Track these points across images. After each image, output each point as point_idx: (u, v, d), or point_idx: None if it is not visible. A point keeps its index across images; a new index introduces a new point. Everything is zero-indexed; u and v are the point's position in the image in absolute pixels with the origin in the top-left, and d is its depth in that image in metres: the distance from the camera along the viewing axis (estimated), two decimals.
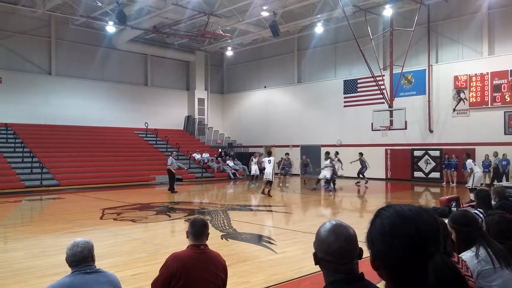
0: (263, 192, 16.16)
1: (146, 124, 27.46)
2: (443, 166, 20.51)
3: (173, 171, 17.79)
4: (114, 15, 20.82)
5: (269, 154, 17.16)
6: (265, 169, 16.42)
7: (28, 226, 10.86)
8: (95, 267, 2.91)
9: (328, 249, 1.57)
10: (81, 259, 2.86)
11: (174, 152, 19.51)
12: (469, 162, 14.52)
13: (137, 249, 8.00)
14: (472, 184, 13.69)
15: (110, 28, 23.98)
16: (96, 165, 21.56)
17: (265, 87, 29.92)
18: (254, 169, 20.97)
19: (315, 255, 1.61)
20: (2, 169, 19.06)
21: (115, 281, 2.95)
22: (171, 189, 17.36)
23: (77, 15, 22.73)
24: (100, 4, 21.68)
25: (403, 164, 22.37)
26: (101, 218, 11.22)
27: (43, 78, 24.61)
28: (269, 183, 16.14)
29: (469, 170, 14.59)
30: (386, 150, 22.91)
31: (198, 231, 3.41)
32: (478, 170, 14.27)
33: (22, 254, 7.31)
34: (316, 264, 1.61)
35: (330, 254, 1.56)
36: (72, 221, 10.89)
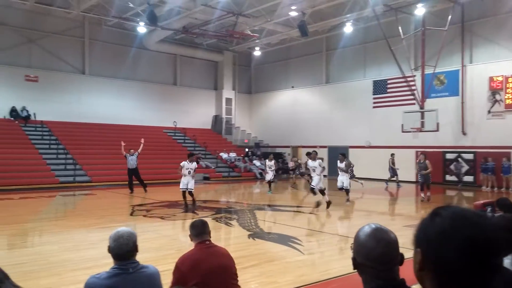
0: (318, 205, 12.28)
1: (175, 123, 27.86)
2: (480, 170, 19.87)
3: (131, 168, 16.91)
4: (145, 16, 21.23)
5: (310, 156, 13.37)
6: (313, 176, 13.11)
7: (61, 220, 11.22)
8: (138, 263, 2.85)
9: (369, 255, 1.52)
10: (126, 253, 2.81)
11: (131, 150, 17.64)
12: None
13: (165, 245, 8.13)
14: None
15: (141, 28, 24.46)
16: (126, 162, 21.98)
17: (292, 87, 29.82)
18: (271, 175, 17.79)
19: (354, 259, 1.56)
20: (38, 165, 19.76)
21: (154, 277, 2.92)
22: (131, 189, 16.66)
23: (109, 16, 23.32)
24: (131, 5, 22.14)
25: (434, 167, 21.75)
26: (131, 214, 11.47)
27: (77, 77, 25.34)
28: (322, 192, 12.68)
29: None
30: (416, 152, 22.39)
31: (199, 230, 3.59)
32: None
33: (56, 248, 7.56)
34: (354, 269, 1.57)
35: (371, 259, 1.51)
36: (103, 217, 11.18)
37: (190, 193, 12.56)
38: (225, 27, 24.65)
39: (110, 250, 2.84)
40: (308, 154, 13.76)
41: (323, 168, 12.88)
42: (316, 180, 12.52)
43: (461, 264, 1.04)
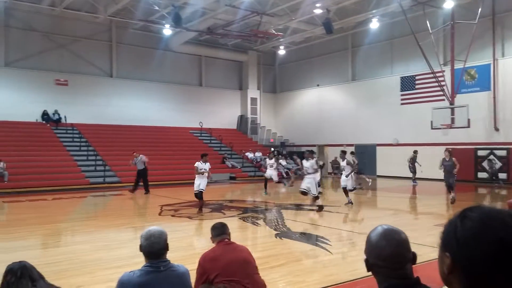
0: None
1: (201, 124, 28.12)
2: None
3: (142, 168, 16.92)
4: (170, 18, 21.50)
5: (304, 156, 12.93)
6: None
7: (93, 220, 11.49)
8: (168, 262, 2.91)
9: (380, 255, 1.54)
10: (158, 251, 2.86)
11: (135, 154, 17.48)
12: None
13: (194, 245, 8.22)
14: None
15: (167, 31, 24.79)
16: (153, 163, 22.30)
17: (318, 85, 29.58)
18: (270, 174, 16.82)
19: (366, 261, 1.59)
20: (69, 167, 20.31)
21: (185, 277, 2.97)
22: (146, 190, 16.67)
23: (135, 19, 23.74)
24: (157, 8, 22.46)
25: (465, 164, 21.15)
26: (159, 214, 11.63)
27: (105, 80, 25.92)
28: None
29: None
30: (446, 149, 21.83)
31: (219, 231, 3.80)
32: None
33: (88, 247, 7.74)
34: (368, 270, 1.58)
35: (382, 259, 1.53)
36: (133, 217, 11.39)
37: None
38: (249, 26, 24.69)
39: (142, 248, 2.88)
40: (302, 154, 13.30)
41: (316, 169, 11.97)
42: (305, 182, 11.77)
43: (493, 268, 1.00)
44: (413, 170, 20.27)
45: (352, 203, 12.94)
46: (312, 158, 12.47)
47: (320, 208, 11.69)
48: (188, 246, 7.83)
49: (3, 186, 17.40)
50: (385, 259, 1.53)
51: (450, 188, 13.27)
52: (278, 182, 16.69)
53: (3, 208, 13.93)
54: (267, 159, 17.75)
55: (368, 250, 1.59)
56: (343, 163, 13.33)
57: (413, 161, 20.29)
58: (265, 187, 16.58)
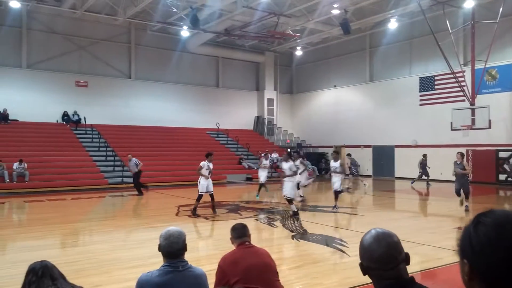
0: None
1: (218, 125, 28.22)
2: None
3: (135, 171, 16.76)
4: (188, 20, 21.65)
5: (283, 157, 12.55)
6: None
7: (111, 220, 11.63)
8: (187, 262, 2.93)
9: (372, 257, 1.59)
10: (176, 251, 2.89)
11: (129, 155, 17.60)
12: None
13: (210, 245, 8.23)
14: None
15: (184, 32, 24.99)
16: (171, 164, 22.56)
17: (335, 86, 29.38)
18: (263, 175, 16.17)
19: (361, 265, 1.63)
20: (88, 167, 20.62)
21: (202, 279, 2.98)
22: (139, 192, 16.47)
23: (153, 21, 23.99)
24: (175, 10, 22.65)
25: (486, 166, 20.79)
26: (176, 214, 11.69)
27: (124, 82, 26.25)
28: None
29: None
30: (467, 151, 21.41)
31: (240, 232, 3.74)
32: None
33: (106, 247, 7.83)
34: (364, 274, 1.62)
35: (374, 261, 1.58)
36: (150, 217, 11.48)
37: (212, 195, 11.66)
38: (266, 28, 24.69)
39: (161, 248, 2.91)
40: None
41: (294, 172, 11.48)
42: (286, 187, 11.36)
43: (510, 272, 0.98)
44: (425, 173, 20.11)
45: (337, 208, 12.08)
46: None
47: (295, 214, 11.09)
48: (204, 247, 7.86)
49: (24, 186, 17.77)
50: (376, 261, 1.57)
51: (459, 194, 12.19)
52: (305, 185, 15.40)
53: (24, 208, 14.22)
54: (263, 159, 16.72)
55: (361, 253, 1.64)
56: (335, 164, 12.49)
57: (423, 165, 20.12)
58: (259, 190, 15.66)
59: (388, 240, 1.61)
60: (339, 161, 12.53)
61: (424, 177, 20.10)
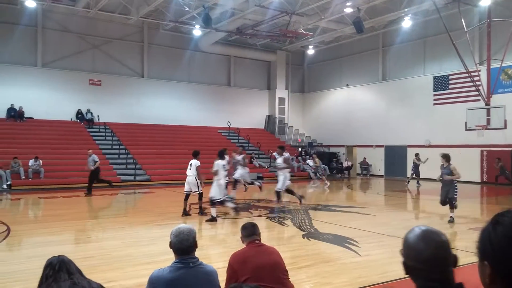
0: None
1: (229, 123, 28.28)
2: None
3: (92, 169, 16.01)
4: (200, 19, 21.73)
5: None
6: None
7: (123, 217, 11.75)
8: (197, 259, 3.00)
9: (419, 257, 1.47)
10: (187, 248, 2.95)
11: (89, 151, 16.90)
12: None
13: (221, 243, 8.27)
14: None
15: (197, 31, 25.08)
16: (183, 162, 22.45)
17: (347, 85, 29.22)
18: (240, 173, 13.78)
19: (404, 264, 1.52)
20: (102, 165, 20.65)
21: (213, 276, 3.04)
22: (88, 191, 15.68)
23: (166, 20, 24.13)
24: (187, 9, 22.76)
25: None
26: (188, 212, 11.73)
27: (136, 80, 26.46)
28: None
29: None
30: (481, 151, 21.14)
31: (249, 231, 3.79)
32: None
33: (119, 243, 7.92)
34: (406, 273, 1.52)
35: (421, 262, 1.46)
36: (162, 214, 11.57)
37: (200, 195, 11.27)
38: (278, 26, 24.65)
39: (172, 245, 2.99)
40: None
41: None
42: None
43: None
44: (416, 173, 19.97)
45: (284, 212, 11.58)
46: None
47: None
48: (215, 244, 7.90)
49: (39, 183, 18.05)
50: (424, 262, 1.46)
51: (445, 203, 10.28)
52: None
53: (39, 204, 14.45)
54: (236, 156, 14.11)
55: (405, 252, 1.53)
56: (279, 160, 11.83)
57: (416, 165, 20.05)
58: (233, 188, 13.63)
59: (437, 240, 1.49)
60: (283, 157, 11.94)
61: (414, 176, 20.03)
